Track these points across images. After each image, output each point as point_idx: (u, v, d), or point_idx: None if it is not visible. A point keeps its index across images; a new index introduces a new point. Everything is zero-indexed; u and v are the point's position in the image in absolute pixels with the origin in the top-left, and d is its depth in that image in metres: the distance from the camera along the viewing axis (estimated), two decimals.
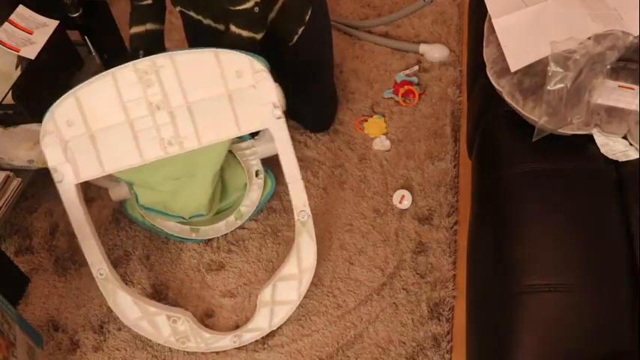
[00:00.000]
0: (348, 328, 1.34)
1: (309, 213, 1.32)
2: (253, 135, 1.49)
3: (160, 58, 1.24)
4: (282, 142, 1.30)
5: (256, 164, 1.49)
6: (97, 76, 1.25)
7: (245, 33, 1.33)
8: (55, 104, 1.25)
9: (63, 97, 1.25)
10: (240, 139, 1.46)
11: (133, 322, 1.33)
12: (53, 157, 1.28)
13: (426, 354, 1.27)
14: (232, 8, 1.31)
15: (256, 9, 1.30)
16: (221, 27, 1.43)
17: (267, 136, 1.46)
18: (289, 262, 1.34)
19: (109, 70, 1.24)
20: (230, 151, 1.44)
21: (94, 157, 1.28)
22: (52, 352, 1.38)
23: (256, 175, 1.50)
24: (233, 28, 1.34)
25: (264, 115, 1.28)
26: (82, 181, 1.29)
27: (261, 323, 1.34)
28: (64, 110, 1.26)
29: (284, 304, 1.35)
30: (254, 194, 1.51)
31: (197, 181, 1.39)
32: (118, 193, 1.50)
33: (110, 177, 1.43)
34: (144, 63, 1.24)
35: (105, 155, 1.29)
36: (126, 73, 1.25)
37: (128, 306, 1.33)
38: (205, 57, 1.25)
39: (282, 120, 1.29)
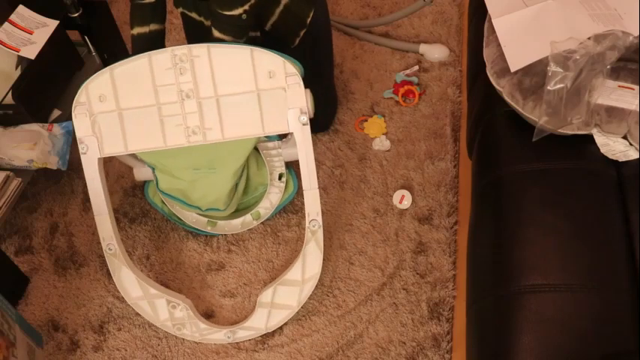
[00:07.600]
0: (348, 328, 1.34)
1: (321, 223, 1.32)
2: (282, 137, 1.48)
3: (196, 48, 1.26)
4: (304, 149, 1.30)
5: (280, 167, 1.48)
6: (134, 57, 1.27)
7: (228, 39, 1.33)
8: (90, 78, 1.29)
9: (99, 72, 1.28)
10: (268, 138, 1.45)
11: (134, 300, 1.35)
12: (81, 128, 1.31)
13: (426, 354, 1.27)
14: (221, 12, 1.31)
15: (244, 16, 1.30)
16: None
17: (294, 140, 1.46)
18: (293, 268, 1.34)
19: (147, 52, 1.27)
20: (257, 149, 1.44)
21: (120, 134, 1.31)
22: (52, 352, 1.38)
23: (279, 178, 1.49)
24: (216, 33, 1.34)
25: (290, 119, 1.29)
26: (105, 155, 1.32)
27: (257, 323, 1.34)
28: (98, 85, 1.29)
29: (282, 308, 1.35)
30: (274, 197, 1.50)
31: (216, 175, 1.39)
32: (142, 173, 1.50)
33: (136, 157, 1.45)
34: (181, 50, 1.26)
35: (130, 134, 1.31)
36: (162, 57, 1.27)
37: (131, 284, 1.35)
38: (241, 53, 1.26)
39: (308, 127, 1.29)
